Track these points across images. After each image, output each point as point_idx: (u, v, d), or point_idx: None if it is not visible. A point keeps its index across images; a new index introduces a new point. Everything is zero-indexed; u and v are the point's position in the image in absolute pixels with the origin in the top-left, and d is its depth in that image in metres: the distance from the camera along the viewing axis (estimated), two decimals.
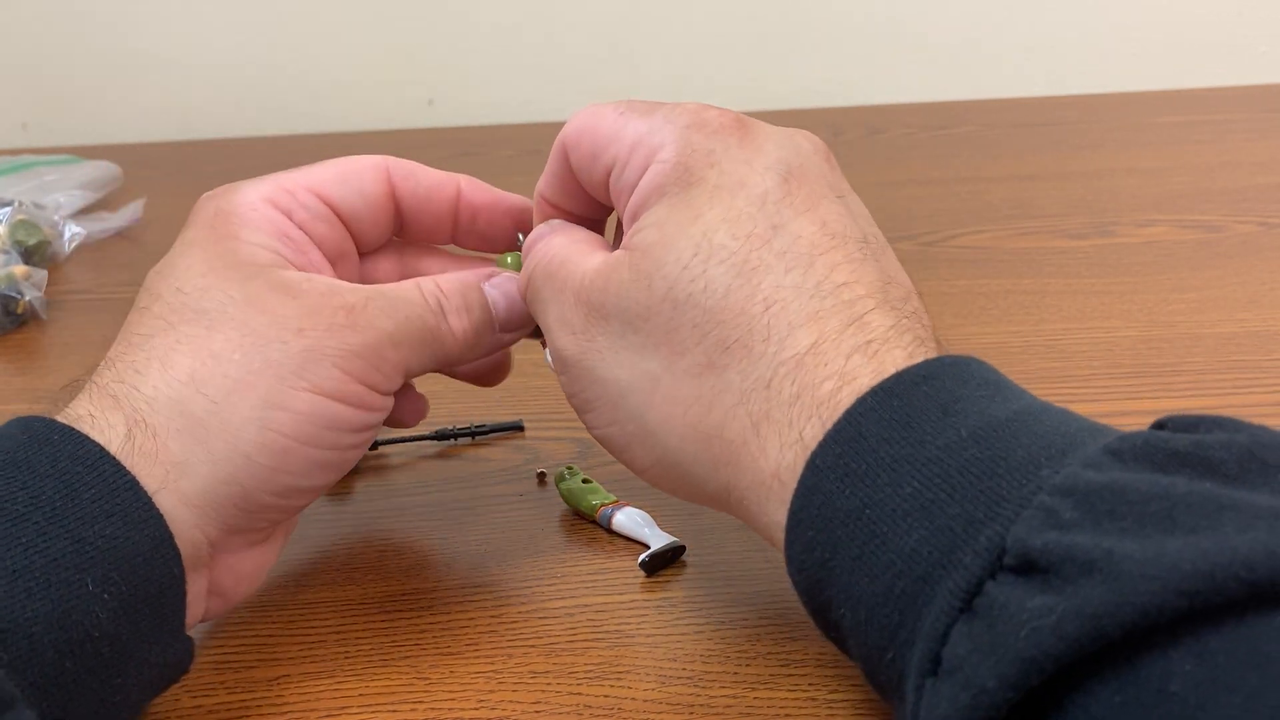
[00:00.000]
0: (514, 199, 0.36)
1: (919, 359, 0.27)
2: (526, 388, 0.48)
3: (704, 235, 0.29)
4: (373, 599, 0.36)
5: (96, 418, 0.29)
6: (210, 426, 0.29)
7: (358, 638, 0.34)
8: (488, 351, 0.35)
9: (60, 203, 0.72)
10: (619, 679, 0.32)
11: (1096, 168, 0.77)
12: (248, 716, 0.31)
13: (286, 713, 0.31)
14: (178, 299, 0.31)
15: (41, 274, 0.60)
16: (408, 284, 0.33)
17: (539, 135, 0.92)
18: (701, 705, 0.31)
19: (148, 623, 0.27)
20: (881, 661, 0.25)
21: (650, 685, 0.32)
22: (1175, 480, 0.22)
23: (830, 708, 0.30)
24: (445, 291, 0.33)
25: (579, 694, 0.31)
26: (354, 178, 0.35)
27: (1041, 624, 0.20)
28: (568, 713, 0.31)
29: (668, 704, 0.31)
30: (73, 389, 0.31)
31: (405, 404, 0.36)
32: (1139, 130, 0.87)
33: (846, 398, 0.26)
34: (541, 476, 0.42)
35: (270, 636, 0.34)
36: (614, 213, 0.34)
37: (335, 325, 0.30)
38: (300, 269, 0.32)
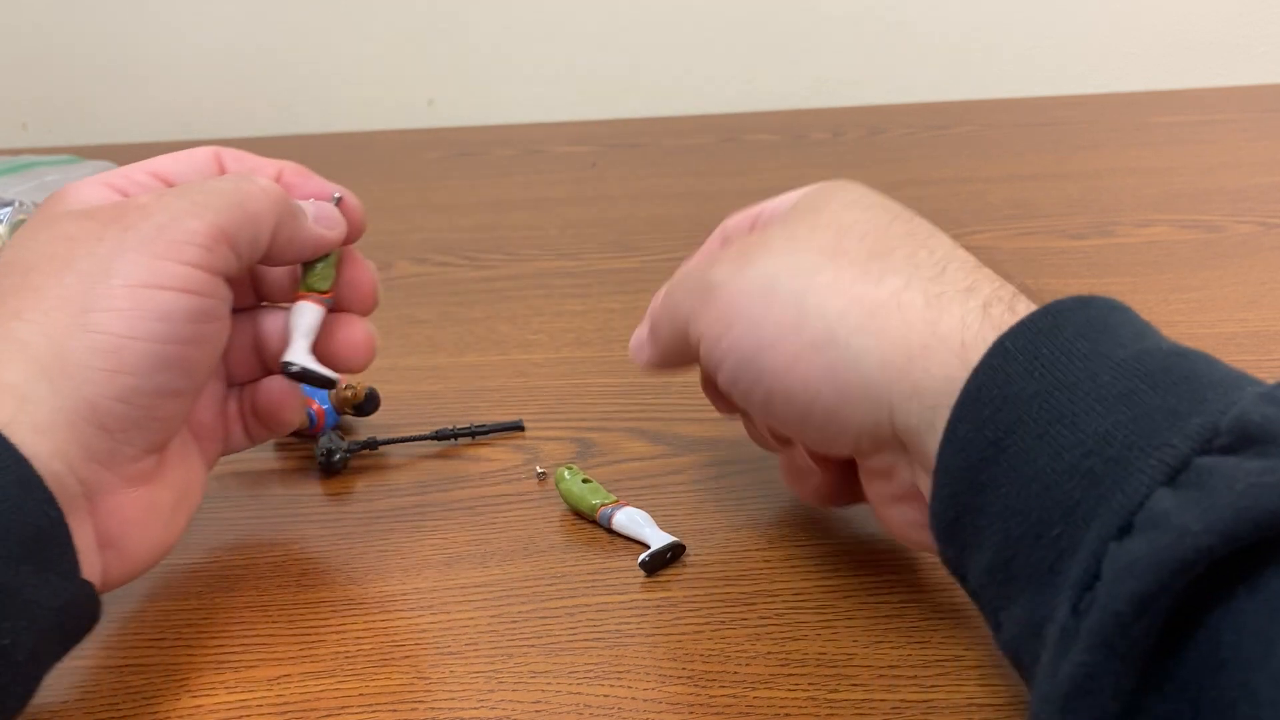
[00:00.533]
0: (327, 186, 0.37)
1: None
2: (526, 388, 0.48)
3: (856, 198, 0.32)
4: (373, 599, 0.36)
5: None
6: (39, 346, 0.29)
7: (358, 638, 0.34)
8: (309, 243, 0.35)
9: None
10: (619, 679, 0.32)
11: (1096, 168, 0.77)
12: (248, 716, 0.31)
13: (286, 713, 0.31)
14: (5, 257, 0.32)
15: None
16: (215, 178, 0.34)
17: (539, 135, 0.93)
18: (701, 705, 0.31)
19: (30, 565, 0.27)
20: (1040, 540, 0.24)
21: (650, 685, 0.32)
22: None
23: (830, 708, 0.30)
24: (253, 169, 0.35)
25: (579, 694, 0.31)
26: (186, 159, 0.36)
27: (1262, 480, 0.20)
28: (568, 713, 0.31)
29: (668, 704, 0.31)
30: None
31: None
32: (1139, 130, 0.87)
33: (1024, 308, 0.27)
34: (541, 476, 0.42)
35: (270, 636, 0.34)
36: None
37: (129, 222, 0.31)
38: None
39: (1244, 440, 0.22)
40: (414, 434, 0.45)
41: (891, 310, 0.28)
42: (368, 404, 0.45)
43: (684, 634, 0.34)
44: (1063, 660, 0.22)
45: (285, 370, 0.35)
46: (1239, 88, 0.98)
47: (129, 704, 0.32)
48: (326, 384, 0.35)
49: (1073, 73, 1.00)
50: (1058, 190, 0.73)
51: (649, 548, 0.36)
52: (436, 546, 0.38)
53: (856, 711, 0.30)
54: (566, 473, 0.40)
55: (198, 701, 0.32)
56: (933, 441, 0.27)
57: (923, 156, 0.82)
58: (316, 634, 0.34)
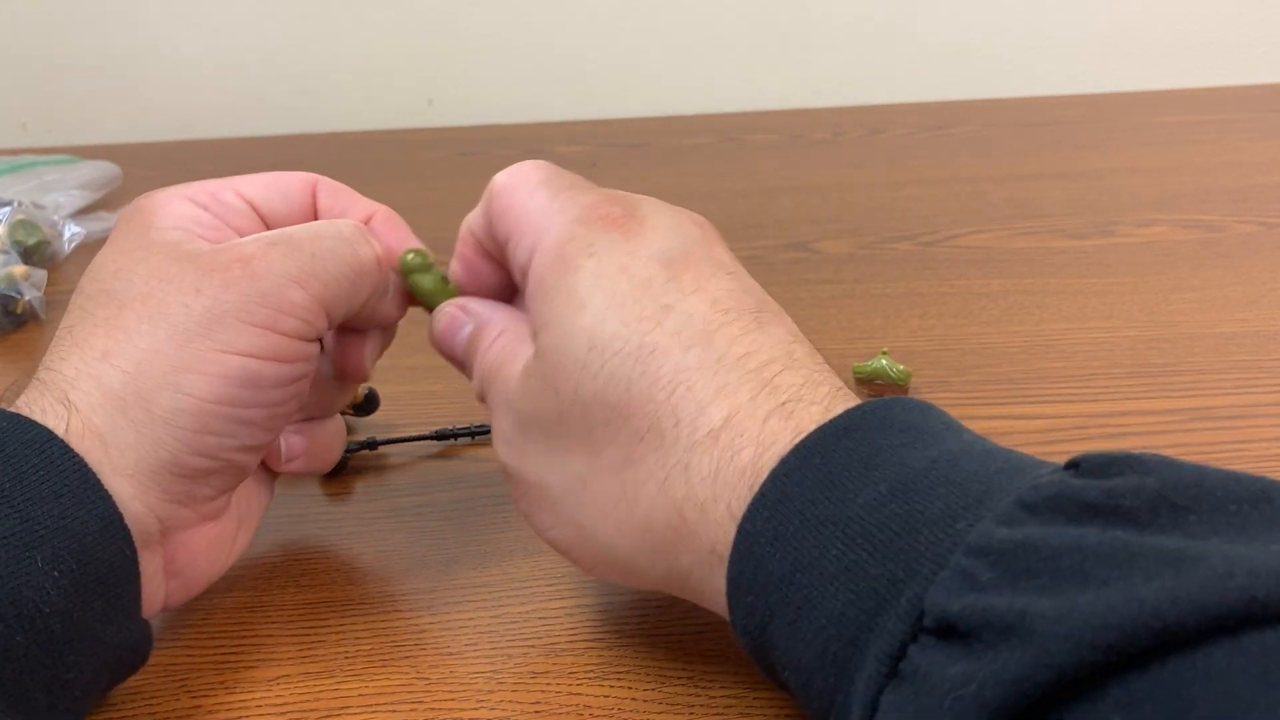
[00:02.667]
0: (411, 238, 0.36)
1: (838, 410, 0.27)
2: None
3: (594, 325, 0.28)
4: (373, 599, 0.36)
5: (31, 405, 0.29)
6: (127, 397, 0.29)
7: (358, 638, 0.34)
8: (378, 322, 0.35)
9: (60, 203, 0.72)
10: (619, 679, 0.32)
11: (1096, 168, 0.77)
12: (247, 716, 0.31)
13: (286, 713, 0.31)
14: (94, 288, 0.31)
15: (41, 274, 0.60)
16: (322, 222, 0.33)
17: (539, 135, 0.93)
18: (701, 705, 0.31)
19: (100, 601, 0.28)
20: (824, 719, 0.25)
21: (650, 685, 0.32)
22: (1087, 531, 0.22)
23: None
24: (354, 223, 0.33)
25: (579, 694, 0.31)
26: (280, 184, 0.35)
27: (964, 693, 0.21)
28: (568, 713, 0.31)
29: (668, 704, 0.31)
30: (17, 388, 0.31)
31: (348, 351, 0.36)
32: (1139, 130, 0.87)
33: (769, 461, 0.26)
34: None
35: (270, 636, 0.34)
36: None
37: (230, 279, 0.30)
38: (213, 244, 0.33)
39: (946, 629, 0.22)
40: (414, 434, 0.45)
41: (653, 536, 0.28)
42: (368, 404, 0.45)
43: (684, 634, 0.34)
44: None
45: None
46: (1239, 88, 0.98)
47: (129, 704, 0.32)
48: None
49: (1073, 73, 1.00)
50: (1058, 190, 0.73)
51: None
52: (436, 546, 0.38)
53: None
54: (412, 256, 0.35)
55: (197, 701, 0.32)
56: None
57: (923, 156, 0.82)
58: (316, 634, 0.34)
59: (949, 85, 1.00)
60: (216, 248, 0.31)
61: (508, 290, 0.34)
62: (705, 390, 0.28)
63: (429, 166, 0.85)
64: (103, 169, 0.79)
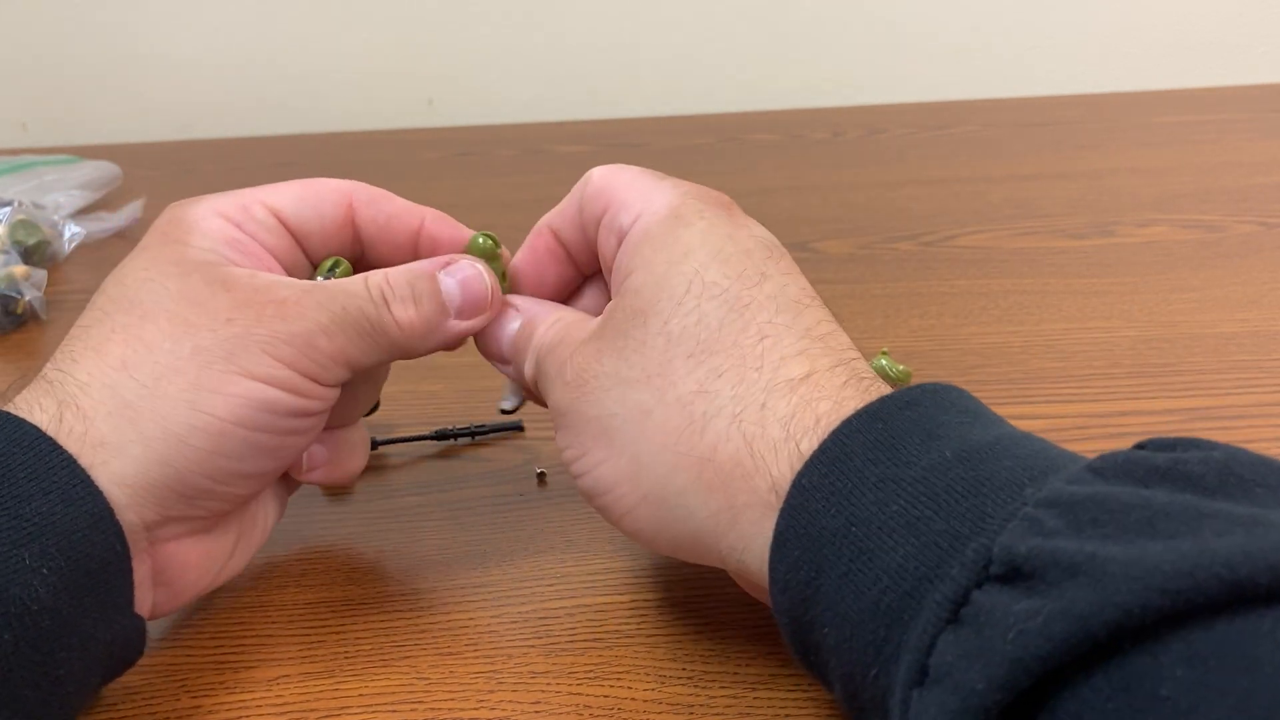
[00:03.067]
0: (466, 234, 0.36)
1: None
2: None
3: (696, 272, 0.30)
4: (373, 599, 0.36)
5: (31, 403, 0.29)
6: (141, 409, 0.29)
7: (358, 638, 0.34)
8: (448, 342, 0.34)
9: (60, 203, 0.72)
10: (619, 679, 0.32)
11: (1096, 168, 0.77)
12: (247, 716, 0.31)
13: (286, 713, 0.31)
14: (118, 291, 0.31)
15: (41, 274, 0.60)
16: (356, 278, 0.33)
17: (539, 135, 0.93)
18: (701, 705, 0.31)
19: (91, 598, 0.28)
20: (865, 679, 0.25)
21: (650, 685, 0.32)
22: (1155, 492, 0.22)
23: (830, 707, 0.30)
24: (391, 283, 0.33)
25: (579, 694, 0.31)
26: (312, 198, 0.34)
27: (1028, 626, 0.21)
28: (568, 713, 0.31)
29: (668, 704, 0.31)
30: (18, 385, 0.31)
31: (347, 401, 0.35)
32: (1139, 130, 0.87)
33: (835, 422, 0.27)
34: (541, 476, 0.42)
35: (270, 636, 0.34)
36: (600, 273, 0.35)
37: (264, 316, 0.30)
38: (248, 270, 0.32)
39: (1013, 572, 0.22)
40: (414, 434, 0.45)
41: (715, 469, 0.28)
42: None
43: (684, 634, 0.34)
44: None
45: (504, 413, 0.37)
46: (1239, 88, 0.98)
47: (128, 704, 0.32)
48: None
49: (1073, 73, 1.00)
50: (1058, 190, 0.73)
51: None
52: (436, 546, 0.38)
53: None
54: (483, 240, 0.35)
55: (197, 701, 0.32)
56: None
57: (923, 156, 0.82)
58: (316, 634, 0.34)
59: (949, 85, 1.00)
60: (253, 282, 0.31)
61: (562, 293, 0.37)
62: (790, 348, 0.29)
63: (429, 166, 0.85)
64: (103, 169, 0.79)
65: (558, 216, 0.35)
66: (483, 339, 0.35)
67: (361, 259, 0.36)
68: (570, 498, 0.41)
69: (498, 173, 0.82)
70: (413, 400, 0.48)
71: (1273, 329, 0.52)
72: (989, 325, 0.53)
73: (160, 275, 0.31)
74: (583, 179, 0.34)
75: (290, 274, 0.34)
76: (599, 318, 0.32)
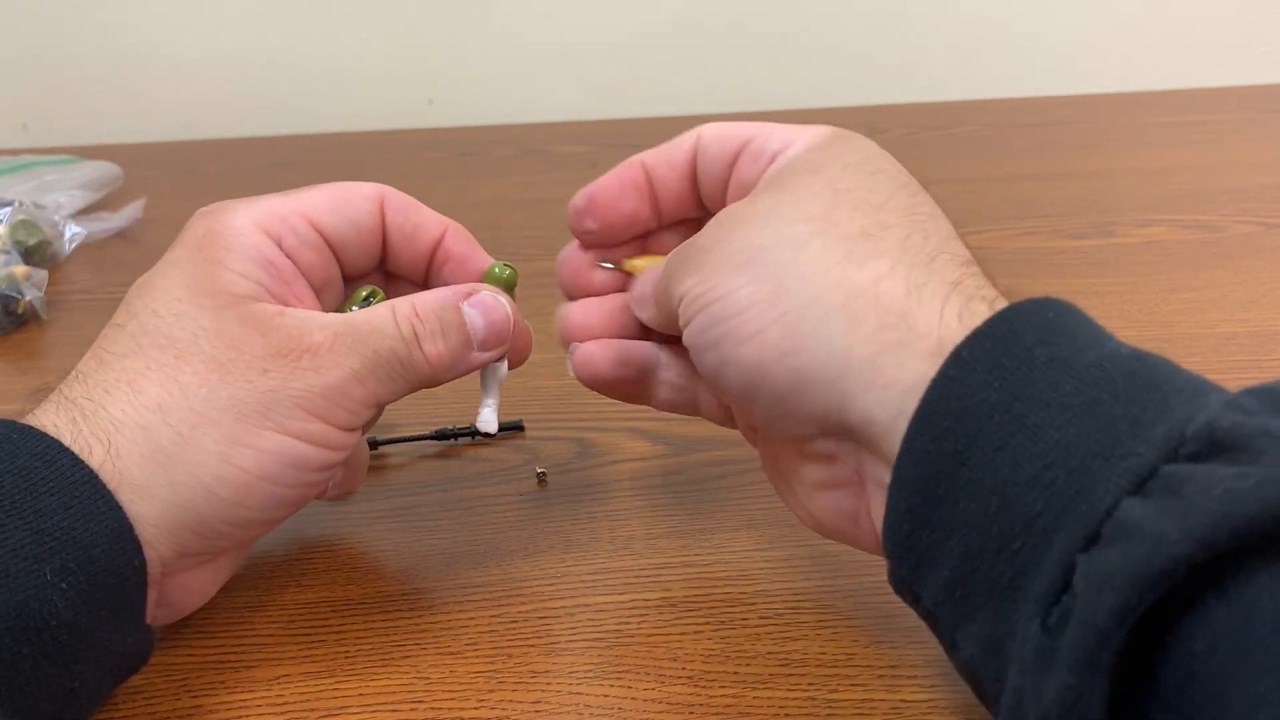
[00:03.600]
0: (485, 259, 0.36)
1: None
2: (526, 388, 0.48)
3: (866, 159, 0.31)
4: (373, 599, 0.36)
5: (61, 429, 0.29)
6: (174, 456, 0.29)
7: (358, 638, 0.34)
8: (464, 371, 0.34)
9: (60, 203, 0.72)
10: (619, 679, 0.32)
11: (1096, 168, 0.77)
12: (248, 716, 0.31)
13: (286, 713, 0.31)
14: (152, 321, 0.31)
15: (41, 274, 0.60)
16: (382, 310, 0.32)
17: (539, 135, 0.93)
18: (701, 705, 0.31)
19: (107, 612, 0.28)
20: (1000, 555, 0.24)
21: (650, 685, 0.32)
22: None
23: (830, 708, 0.30)
24: (421, 316, 0.32)
25: (579, 694, 0.31)
26: (346, 206, 0.34)
27: (1238, 486, 0.20)
28: (568, 713, 0.31)
29: (668, 704, 0.31)
30: (40, 395, 0.31)
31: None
32: (1139, 130, 0.87)
33: (1003, 305, 0.27)
34: (541, 476, 0.42)
35: (270, 636, 0.34)
36: (674, 226, 0.36)
37: (300, 368, 0.30)
38: (280, 299, 0.32)
39: (1212, 447, 0.21)
40: (414, 434, 0.45)
41: (869, 299, 0.27)
42: None
43: (684, 634, 0.34)
44: (1044, 681, 0.22)
45: (483, 437, 0.36)
46: (1239, 88, 0.98)
47: (129, 704, 0.32)
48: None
49: (1073, 73, 1.00)
50: (1058, 190, 0.73)
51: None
52: (436, 546, 0.38)
53: (856, 711, 0.30)
54: (499, 269, 0.36)
55: (197, 701, 0.32)
56: (895, 441, 0.26)
57: (923, 156, 0.82)
58: (316, 634, 0.34)
59: (949, 85, 1.00)
60: (287, 325, 0.31)
61: (632, 229, 0.36)
62: (953, 238, 0.29)
63: (429, 166, 0.85)
64: (103, 169, 0.79)
65: (655, 156, 0.35)
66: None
67: (383, 264, 0.36)
68: (570, 498, 0.41)
69: (498, 173, 0.82)
70: (413, 400, 0.48)
71: (1273, 329, 0.52)
72: None
73: (194, 309, 0.31)
74: (691, 132, 0.34)
75: (322, 291, 0.34)
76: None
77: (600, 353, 0.35)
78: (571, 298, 0.37)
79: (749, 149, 0.32)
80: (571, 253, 0.37)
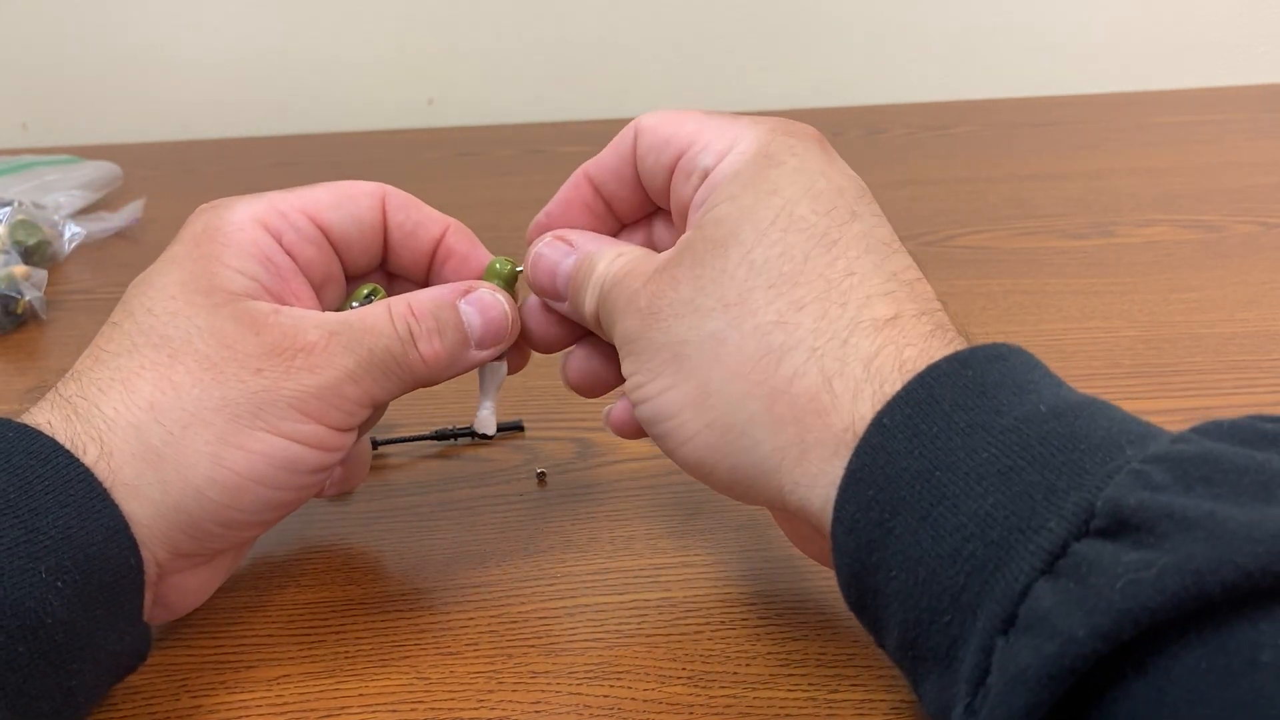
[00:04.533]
0: (487, 257, 0.36)
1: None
2: (526, 388, 0.48)
3: (784, 207, 0.29)
4: (373, 599, 0.36)
5: (55, 427, 0.29)
6: (165, 456, 0.29)
7: (358, 638, 0.34)
8: (461, 370, 0.34)
9: (60, 203, 0.72)
10: (619, 679, 0.32)
11: (1096, 168, 0.77)
12: (248, 716, 0.31)
13: (286, 713, 0.31)
14: (147, 320, 0.31)
15: (41, 274, 0.60)
16: (378, 309, 0.32)
17: (539, 135, 0.93)
18: (701, 705, 0.31)
19: (103, 610, 0.28)
20: (934, 626, 0.24)
21: (650, 685, 0.32)
22: (1270, 456, 0.22)
23: (830, 708, 0.30)
24: (417, 315, 0.32)
25: (579, 694, 0.31)
26: (349, 203, 0.34)
27: (1140, 577, 0.20)
28: (568, 713, 0.31)
29: (668, 704, 0.31)
30: (36, 394, 0.31)
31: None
32: (1139, 130, 0.87)
33: (924, 366, 0.26)
34: (541, 476, 0.42)
35: (270, 636, 0.34)
36: (639, 222, 0.35)
37: (293, 368, 0.30)
38: (277, 297, 0.32)
39: (1119, 526, 0.22)
40: (414, 434, 0.45)
41: (788, 401, 0.27)
42: None
43: (684, 634, 0.34)
44: None
45: (481, 438, 0.36)
46: (1239, 88, 0.98)
47: (129, 704, 0.32)
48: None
49: (1073, 73, 1.00)
50: (1058, 190, 0.73)
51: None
52: (436, 546, 0.38)
53: (856, 711, 0.30)
54: (500, 265, 0.36)
55: (197, 701, 0.32)
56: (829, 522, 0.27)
57: (923, 156, 0.82)
58: (316, 634, 0.34)
59: (949, 85, 1.00)
60: (282, 324, 0.31)
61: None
62: (877, 288, 0.28)
63: (429, 166, 0.85)
64: (103, 169, 0.79)
65: (597, 166, 0.34)
66: (535, 275, 0.34)
67: (384, 262, 0.36)
68: (570, 498, 0.41)
69: (498, 173, 0.82)
70: (413, 400, 0.48)
71: (1273, 329, 0.52)
72: (989, 325, 0.53)
73: (189, 308, 0.31)
74: (629, 128, 0.33)
75: (323, 289, 0.34)
76: (670, 250, 0.31)
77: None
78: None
79: (682, 165, 0.31)
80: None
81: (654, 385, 0.30)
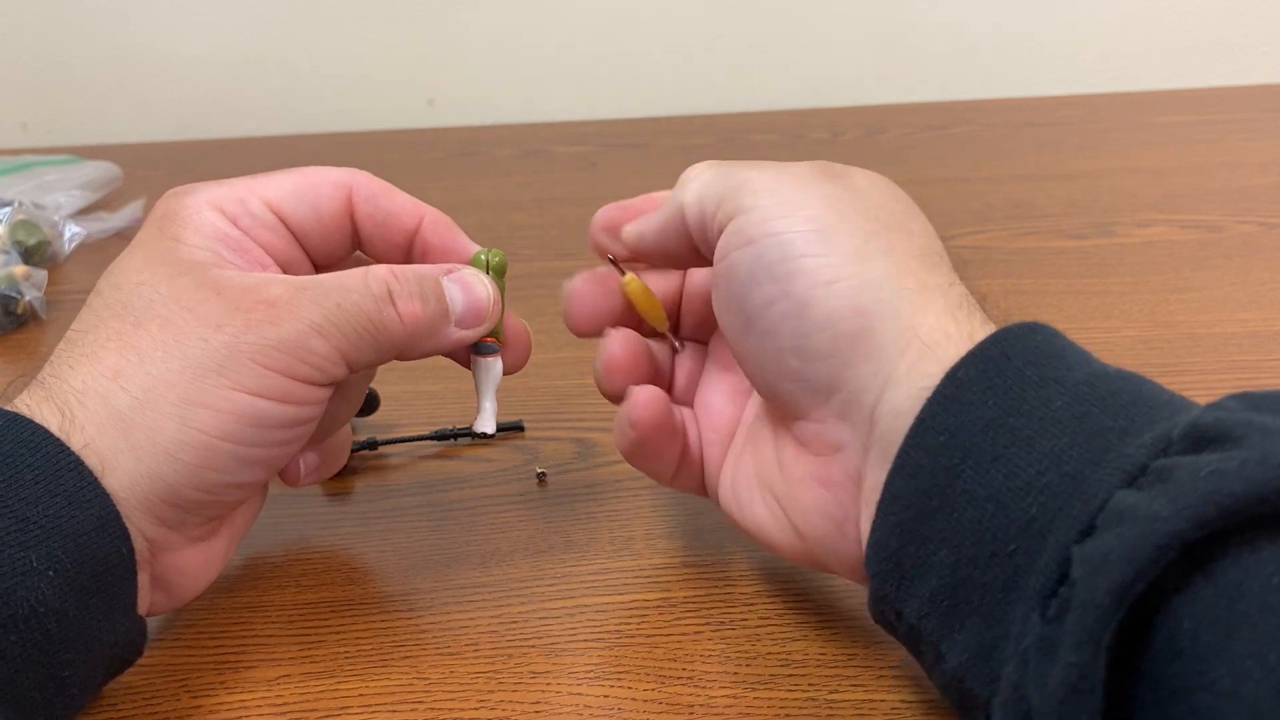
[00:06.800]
0: (470, 247, 0.35)
1: None
2: (526, 388, 0.48)
3: (850, 182, 0.31)
4: (373, 599, 0.36)
5: (33, 409, 0.29)
6: (133, 422, 0.29)
7: (358, 638, 0.34)
8: (444, 347, 0.34)
9: (60, 203, 0.72)
10: (619, 679, 0.32)
11: (1096, 168, 0.77)
12: (248, 716, 0.31)
13: (286, 713, 0.31)
14: (113, 295, 0.31)
15: (41, 274, 0.60)
16: (355, 271, 0.32)
17: (539, 135, 0.93)
18: (702, 706, 0.31)
19: (96, 600, 0.28)
20: (994, 559, 0.24)
21: (650, 685, 0.32)
22: None
23: (830, 708, 0.30)
24: (398, 276, 0.32)
25: (579, 694, 0.31)
26: (310, 192, 0.34)
27: (1224, 467, 0.21)
28: (568, 713, 0.31)
29: (668, 704, 0.31)
30: (19, 385, 0.31)
31: (335, 406, 0.34)
32: (1139, 130, 0.87)
33: (994, 326, 0.28)
34: (541, 476, 0.42)
35: (270, 637, 0.34)
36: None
37: (253, 320, 0.30)
38: (240, 270, 0.32)
39: (1198, 442, 0.22)
40: (414, 434, 0.45)
41: (934, 293, 0.29)
42: (368, 404, 0.45)
43: (684, 634, 0.34)
44: (1047, 666, 0.22)
45: (481, 437, 0.36)
46: (1239, 88, 0.98)
47: (128, 703, 0.32)
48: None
49: (1073, 73, 1.00)
50: (1058, 190, 0.73)
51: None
52: (436, 546, 0.38)
53: (856, 711, 0.30)
54: (485, 256, 0.35)
55: (197, 701, 0.32)
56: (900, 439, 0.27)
57: (923, 156, 0.82)
58: (316, 634, 0.34)
59: (949, 85, 1.00)
60: (244, 282, 0.30)
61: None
62: (944, 269, 0.30)
63: (429, 166, 0.85)
64: (103, 169, 0.79)
65: (655, 230, 0.34)
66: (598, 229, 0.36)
67: (362, 250, 0.36)
68: (570, 498, 0.41)
69: (498, 173, 0.82)
70: (413, 400, 0.48)
71: (1273, 329, 0.52)
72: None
73: (152, 277, 0.31)
74: (677, 214, 0.33)
75: (289, 270, 0.34)
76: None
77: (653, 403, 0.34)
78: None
79: (731, 206, 0.31)
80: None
81: (797, 218, 0.30)
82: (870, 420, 0.28)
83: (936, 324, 0.28)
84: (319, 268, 0.35)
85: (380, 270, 0.32)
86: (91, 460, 0.28)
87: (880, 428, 0.28)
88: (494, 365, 0.35)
